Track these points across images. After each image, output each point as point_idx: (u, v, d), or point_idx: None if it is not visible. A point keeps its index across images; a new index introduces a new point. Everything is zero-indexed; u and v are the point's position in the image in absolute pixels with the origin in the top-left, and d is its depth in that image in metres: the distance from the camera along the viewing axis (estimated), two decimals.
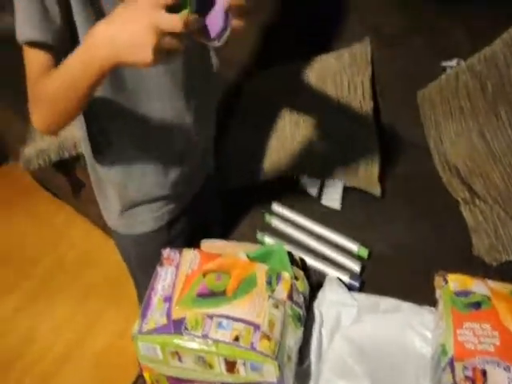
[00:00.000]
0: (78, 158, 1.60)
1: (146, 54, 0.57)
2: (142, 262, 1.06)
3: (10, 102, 1.89)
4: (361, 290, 0.95)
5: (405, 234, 1.08)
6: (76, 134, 1.56)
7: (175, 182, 0.97)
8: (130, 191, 0.96)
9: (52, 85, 0.70)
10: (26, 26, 0.69)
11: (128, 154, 0.91)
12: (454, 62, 1.19)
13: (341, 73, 1.28)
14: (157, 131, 0.90)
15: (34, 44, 0.70)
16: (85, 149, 0.96)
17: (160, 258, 0.85)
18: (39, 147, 1.64)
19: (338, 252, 1.02)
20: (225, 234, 1.16)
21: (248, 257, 0.87)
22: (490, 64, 1.12)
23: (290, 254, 0.88)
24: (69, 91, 0.68)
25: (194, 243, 0.96)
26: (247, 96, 1.38)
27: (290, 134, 1.22)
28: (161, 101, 0.86)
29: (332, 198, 1.13)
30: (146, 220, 1.01)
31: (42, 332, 1.76)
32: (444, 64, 1.22)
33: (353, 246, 1.04)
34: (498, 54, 1.12)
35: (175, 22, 0.55)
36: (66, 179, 1.80)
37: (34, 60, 0.71)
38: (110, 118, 0.87)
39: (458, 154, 1.13)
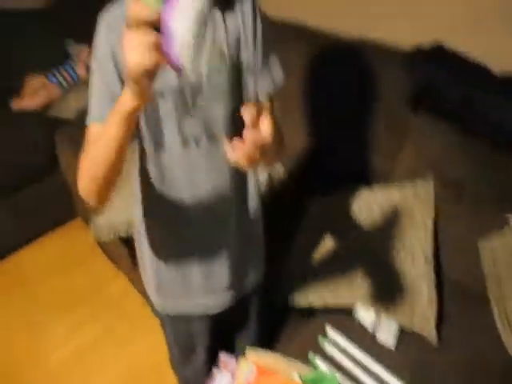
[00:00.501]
0: None
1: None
2: (175, 340, 1.16)
3: None
4: None
5: None
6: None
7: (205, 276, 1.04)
8: (164, 271, 1.05)
9: (89, 152, 0.81)
10: (95, 110, 0.82)
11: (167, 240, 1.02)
12: None
13: (402, 207, 1.33)
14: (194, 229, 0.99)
15: (97, 124, 0.82)
16: (136, 227, 1.08)
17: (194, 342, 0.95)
18: (110, 221, 1.75)
19: None
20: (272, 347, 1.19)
21: (301, 379, 0.90)
22: None
23: None
24: (101, 151, 0.78)
25: (228, 341, 1.02)
26: (310, 217, 1.44)
27: (349, 263, 1.26)
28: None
29: (387, 335, 1.15)
30: (174, 304, 1.10)
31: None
32: (508, 216, 1.24)
33: None
34: None
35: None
36: (128, 252, 1.90)
37: (92, 133, 0.83)
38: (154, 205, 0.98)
39: None
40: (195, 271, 1.03)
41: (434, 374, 1.10)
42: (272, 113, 0.84)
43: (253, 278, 1.14)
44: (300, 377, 0.93)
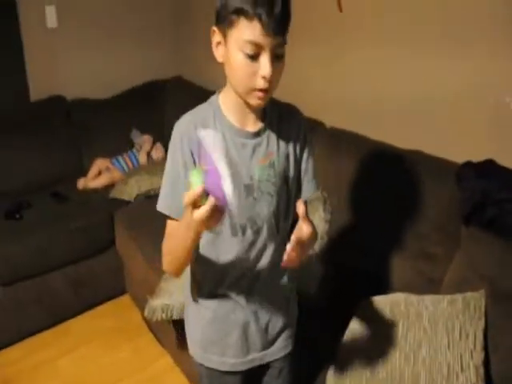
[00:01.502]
0: None
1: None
2: None
3: (145, 250, 2.22)
4: None
5: None
6: None
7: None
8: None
9: (168, 241, 1.03)
10: (165, 203, 1.02)
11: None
12: None
13: (453, 318, 1.37)
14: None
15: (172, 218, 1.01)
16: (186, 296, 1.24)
17: None
18: (165, 302, 1.85)
19: None
20: None
21: None
22: None
23: None
24: (176, 243, 0.98)
25: None
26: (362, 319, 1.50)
27: (398, 366, 1.33)
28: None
29: None
30: (216, 360, 1.20)
31: None
32: None
33: None
34: None
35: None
36: (175, 333, 1.95)
37: (168, 224, 1.03)
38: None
39: None
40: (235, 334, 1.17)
41: None
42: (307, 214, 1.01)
43: (282, 344, 1.25)
44: None
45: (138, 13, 3.02)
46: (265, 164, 1.03)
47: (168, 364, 2.19)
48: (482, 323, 1.35)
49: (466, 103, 1.76)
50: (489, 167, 1.62)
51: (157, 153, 2.78)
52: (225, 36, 0.92)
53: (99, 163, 2.70)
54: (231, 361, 1.19)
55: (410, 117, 1.99)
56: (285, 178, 1.08)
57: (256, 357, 1.21)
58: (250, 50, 0.88)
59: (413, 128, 1.98)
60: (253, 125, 1.03)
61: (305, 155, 1.12)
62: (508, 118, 1.65)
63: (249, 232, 1.06)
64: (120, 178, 2.63)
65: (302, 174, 1.12)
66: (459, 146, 1.77)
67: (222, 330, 1.17)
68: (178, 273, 1.07)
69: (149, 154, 2.76)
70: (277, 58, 0.91)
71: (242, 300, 1.13)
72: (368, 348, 1.42)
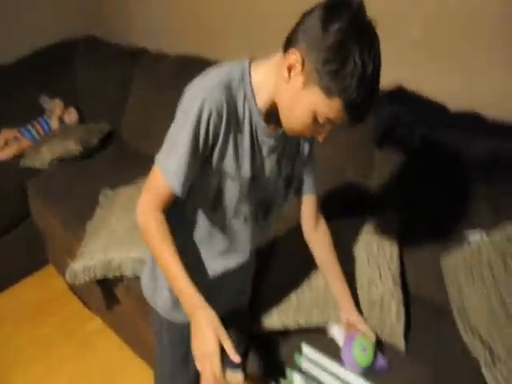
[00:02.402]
0: (121, 279, 1.72)
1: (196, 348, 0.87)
2: (170, 346, 1.20)
3: (62, 217, 2.10)
4: None
5: None
6: (122, 255, 1.72)
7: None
8: None
9: (159, 250, 0.93)
10: (175, 176, 0.90)
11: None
12: (477, 234, 1.33)
13: (370, 238, 1.43)
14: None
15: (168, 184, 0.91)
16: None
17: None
18: (86, 264, 1.77)
19: None
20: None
21: None
22: (511, 242, 1.25)
23: None
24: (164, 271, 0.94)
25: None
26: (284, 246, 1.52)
27: (322, 287, 1.34)
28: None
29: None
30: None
31: None
32: (467, 233, 1.35)
33: None
34: None
35: (232, 352, 0.84)
36: (101, 294, 1.90)
37: (163, 190, 0.92)
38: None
39: (479, 318, 1.22)
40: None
41: (403, 379, 1.16)
42: None
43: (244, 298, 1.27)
44: None
45: None
46: (276, 165, 1.02)
47: (98, 326, 2.13)
48: (396, 238, 1.41)
49: None
50: (399, 93, 1.67)
51: (70, 117, 2.62)
52: (307, 80, 0.81)
53: (5, 134, 2.50)
54: None
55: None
56: (288, 179, 1.08)
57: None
58: (322, 120, 0.85)
59: None
60: (272, 126, 0.96)
61: (310, 156, 1.10)
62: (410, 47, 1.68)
63: (248, 219, 1.05)
64: (30, 146, 2.45)
65: (306, 173, 1.13)
66: None
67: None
68: None
69: (60, 119, 2.60)
70: None
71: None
72: (291, 268, 1.44)
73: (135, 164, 2.06)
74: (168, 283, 0.95)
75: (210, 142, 0.89)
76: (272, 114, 0.92)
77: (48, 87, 2.69)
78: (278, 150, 0.99)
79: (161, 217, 0.94)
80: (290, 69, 0.83)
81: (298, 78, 0.82)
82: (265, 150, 0.97)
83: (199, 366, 0.85)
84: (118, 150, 2.52)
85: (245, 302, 1.31)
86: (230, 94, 0.87)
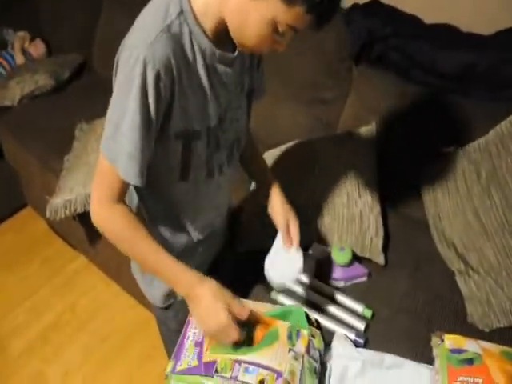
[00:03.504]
0: None
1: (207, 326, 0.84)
2: (179, 327, 1.12)
3: (38, 153, 2.05)
4: (365, 347, 1.05)
5: (405, 299, 1.18)
6: None
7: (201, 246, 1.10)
8: None
9: (136, 247, 0.86)
10: (130, 162, 0.77)
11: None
12: (452, 149, 1.35)
13: (349, 150, 1.43)
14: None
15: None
16: None
17: None
18: (66, 198, 1.75)
19: (345, 312, 1.13)
20: (239, 291, 1.25)
21: (271, 315, 0.97)
22: (484, 153, 1.27)
23: (307, 315, 0.99)
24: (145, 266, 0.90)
25: None
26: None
27: (304, 203, 1.34)
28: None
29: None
30: None
31: (50, 376, 1.79)
32: (443, 147, 1.37)
33: (358, 307, 1.14)
34: (491, 144, 1.28)
35: (242, 311, 0.82)
36: (83, 230, 1.90)
37: (116, 180, 0.80)
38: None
39: (454, 230, 1.26)
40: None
41: (383, 291, 1.20)
42: None
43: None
44: (270, 314, 0.99)
45: None
46: (237, 91, 0.91)
47: (83, 263, 2.14)
48: (374, 153, 1.41)
49: None
50: (374, 7, 1.61)
51: (37, 49, 2.48)
52: None
53: None
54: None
55: None
56: (249, 93, 0.97)
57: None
58: (283, 30, 0.73)
59: None
60: (225, 46, 0.83)
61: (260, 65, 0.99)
62: None
63: (226, 167, 0.98)
64: None
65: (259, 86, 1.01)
66: None
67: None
68: None
69: (25, 52, 2.46)
70: None
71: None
72: None
73: (109, 95, 1.98)
74: (155, 276, 0.89)
75: (164, 107, 0.77)
76: (226, 38, 0.80)
77: (9, 21, 2.51)
78: (240, 74, 0.89)
79: (120, 209, 0.83)
80: None
81: None
82: (227, 80, 0.85)
83: (216, 341, 0.84)
84: (90, 81, 2.41)
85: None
86: (173, 40, 0.74)
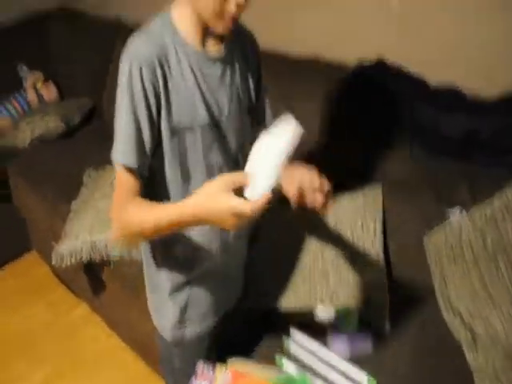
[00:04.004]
0: (108, 261, 1.70)
1: (228, 225, 0.81)
2: (184, 366, 1.15)
3: (46, 197, 2.06)
4: None
5: (409, 369, 1.17)
6: (108, 236, 1.70)
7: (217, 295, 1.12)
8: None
9: (144, 217, 0.88)
10: (122, 149, 0.87)
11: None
12: (457, 211, 1.35)
13: (355, 214, 1.43)
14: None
15: (127, 169, 0.87)
16: (146, 261, 1.10)
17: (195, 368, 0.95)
18: (71, 246, 1.76)
19: (348, 382, 1.10)
20: (246, 352, 1.24)
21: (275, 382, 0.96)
22: (490, 220, 1.26)
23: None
24: (160, 227, 0.88)
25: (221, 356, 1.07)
26: (270, 227, 1.51)
27: (309, 267, 1.35)
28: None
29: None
30: (194, 329, 1.12)
31: None
32: (448, 211, 1.36)
33: (362, 378, 1.12)
34: (496, 211, 1.27)
35: (246, 207, 0.77)
36: (88, 279, 1.89)
37: (125, 184, 0.89)
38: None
39: (460, 297, 1.25)
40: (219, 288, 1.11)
41: (387, 360, 1.19)
42: None
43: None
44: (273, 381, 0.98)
45: None
46: (232, 95, 0.95)
47: (85, 312, 2.12)
48: (380, 213, 1.42)
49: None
50: (379, 67, 1.61)
51: (49, 94, 2.53)
52: None
53: None
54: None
55: None
56: (247, 108, 1.02)
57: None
58: None
59: None
60: (213, 48, 0.92)
61: (261, 81, 1.05)
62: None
63: (225, 169, 0.99)
64: (9, 126, 2.38)
65: (261, 101, 1.07)
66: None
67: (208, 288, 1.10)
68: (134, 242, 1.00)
69: (39, 96, 2.51)
70: None
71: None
72: (278, 251, 1.44)
73: None
74: (171, 230, 0.89)
75: (153, 101, 0.85)
76: (207, 33, 0.89)
77: (23, 58, 2.55)
78: (226, 74, 0.94)
79: (134, 202, 0.89)
80: None
81: None
82: (214, 82, 0.92)
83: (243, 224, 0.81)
84: (101, 126, 2.45)
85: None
86: (155, 41, 0.85)
